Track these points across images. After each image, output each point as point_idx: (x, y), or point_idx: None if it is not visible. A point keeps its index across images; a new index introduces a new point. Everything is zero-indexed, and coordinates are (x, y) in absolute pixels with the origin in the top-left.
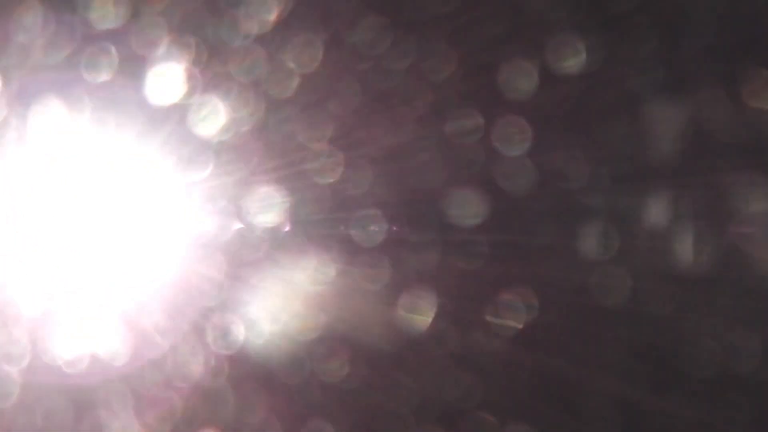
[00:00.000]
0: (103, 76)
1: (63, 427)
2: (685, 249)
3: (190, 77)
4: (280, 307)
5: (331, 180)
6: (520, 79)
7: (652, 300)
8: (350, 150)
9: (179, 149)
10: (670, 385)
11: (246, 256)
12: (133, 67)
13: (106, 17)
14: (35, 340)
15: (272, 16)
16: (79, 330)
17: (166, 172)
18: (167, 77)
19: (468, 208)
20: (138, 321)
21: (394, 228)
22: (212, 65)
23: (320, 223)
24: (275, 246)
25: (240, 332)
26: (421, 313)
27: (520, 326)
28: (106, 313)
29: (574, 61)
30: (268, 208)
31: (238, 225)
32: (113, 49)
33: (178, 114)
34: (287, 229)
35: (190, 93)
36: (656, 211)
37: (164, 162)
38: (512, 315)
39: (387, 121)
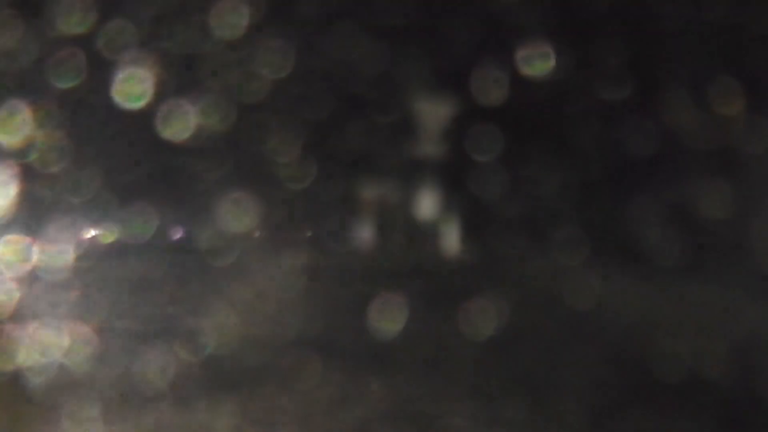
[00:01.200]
0: (72, 81)
1: None
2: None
3: (161, 83)
4: (245, 311)
5: (302, 185)
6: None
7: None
8: (322, 156)
9: (147, 152)
10: None
11: (212, 261)
12: (104, 72)
13: (74, 23)
14: None
15: (243, 22)
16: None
17: (131, 177)
18: (139, 82)
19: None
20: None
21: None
22: (183, 71)
23: (287, 226)
24: (242, 250)
25: (206, 338)
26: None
27: None
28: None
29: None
30: (237, 212)
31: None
32: (82, 54)
33: (147, 119)
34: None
35: (161, 98)
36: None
37: (131, 168)
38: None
39: (356, 127)
